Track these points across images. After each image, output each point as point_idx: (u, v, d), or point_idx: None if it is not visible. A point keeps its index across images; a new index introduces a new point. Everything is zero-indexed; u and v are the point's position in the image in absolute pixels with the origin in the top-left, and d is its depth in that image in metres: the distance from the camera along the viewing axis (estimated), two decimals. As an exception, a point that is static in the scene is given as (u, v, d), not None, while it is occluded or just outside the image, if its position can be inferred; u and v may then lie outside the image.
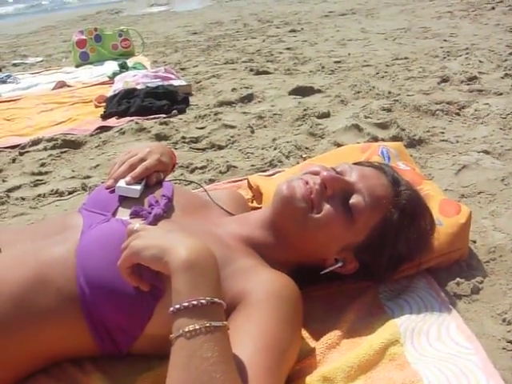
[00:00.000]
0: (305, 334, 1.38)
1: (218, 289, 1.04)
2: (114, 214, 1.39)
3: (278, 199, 1.40)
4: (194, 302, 0.97)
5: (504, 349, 1.32)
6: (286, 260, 1.43)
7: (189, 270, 1.01)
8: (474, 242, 1.76)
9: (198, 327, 0.95)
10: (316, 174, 1.42)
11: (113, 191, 1.47)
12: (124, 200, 1.44)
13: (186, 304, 0.97)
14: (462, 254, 1.64)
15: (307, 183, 1.39)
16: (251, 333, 1.11)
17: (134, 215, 1.37)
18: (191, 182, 2.11)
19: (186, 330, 0.95)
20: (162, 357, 1.06)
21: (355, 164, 1.53)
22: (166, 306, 1.01)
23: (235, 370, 0.98)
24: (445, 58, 4.44)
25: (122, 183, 1.47)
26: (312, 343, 1.36)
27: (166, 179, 1.63)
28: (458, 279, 1.56)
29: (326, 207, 1.37)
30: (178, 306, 0.98)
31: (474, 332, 1.34)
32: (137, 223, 1.18)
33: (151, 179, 1.52)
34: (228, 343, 1.00)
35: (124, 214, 1.39)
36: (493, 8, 6.62)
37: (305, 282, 1.40)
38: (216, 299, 1.00)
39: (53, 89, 4.81)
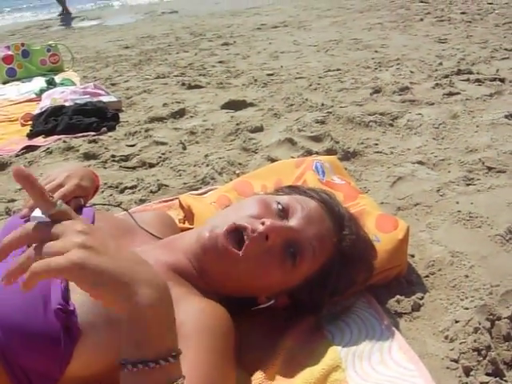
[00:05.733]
0: (241, 363, 1.29)
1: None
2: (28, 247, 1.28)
3: (200, 248, 1.28)
4: (162, 363, 0.82)
5: (448, 368, 1.30)
6: (214, 292, 1.33)
7: (154, 317, 0.83)
8: (413, 256, 1.73)
9: None
10: (255, 217, 1.29)
11: (28, 221, 1.36)
12: None
13: (152, 365, 0.81)
14: (400, 270, 1.60)
15: (245, 229, 1.24)
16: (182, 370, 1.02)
17: None
18: (115, 205, 2.01)
19: None
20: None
21: (297, 191, 1.47)
22: (87, 347, 0.91)
23: None
24: (376, 68, 4.47)
25: (37, 212, 1.35)
26: (249, 373, 1.28)
27: (92, 202, 1.54)
28: (398, 296, 1.52)
29: (264, 258, 1.25)
30: (140, 366, 0.81)
31: (416, 352, 1.31)
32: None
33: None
34: None
35: None
36: (421, 19, 6.75)
37: (239, 308, 1.32)
38: (179, 349, 0.87)
39: (-22, 108, 4.59)
